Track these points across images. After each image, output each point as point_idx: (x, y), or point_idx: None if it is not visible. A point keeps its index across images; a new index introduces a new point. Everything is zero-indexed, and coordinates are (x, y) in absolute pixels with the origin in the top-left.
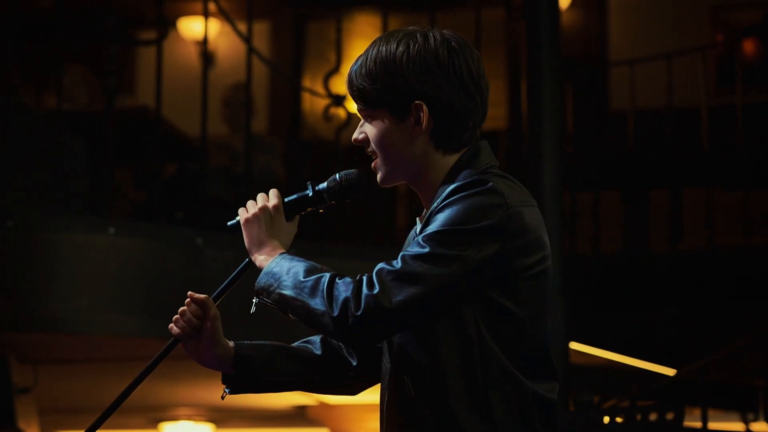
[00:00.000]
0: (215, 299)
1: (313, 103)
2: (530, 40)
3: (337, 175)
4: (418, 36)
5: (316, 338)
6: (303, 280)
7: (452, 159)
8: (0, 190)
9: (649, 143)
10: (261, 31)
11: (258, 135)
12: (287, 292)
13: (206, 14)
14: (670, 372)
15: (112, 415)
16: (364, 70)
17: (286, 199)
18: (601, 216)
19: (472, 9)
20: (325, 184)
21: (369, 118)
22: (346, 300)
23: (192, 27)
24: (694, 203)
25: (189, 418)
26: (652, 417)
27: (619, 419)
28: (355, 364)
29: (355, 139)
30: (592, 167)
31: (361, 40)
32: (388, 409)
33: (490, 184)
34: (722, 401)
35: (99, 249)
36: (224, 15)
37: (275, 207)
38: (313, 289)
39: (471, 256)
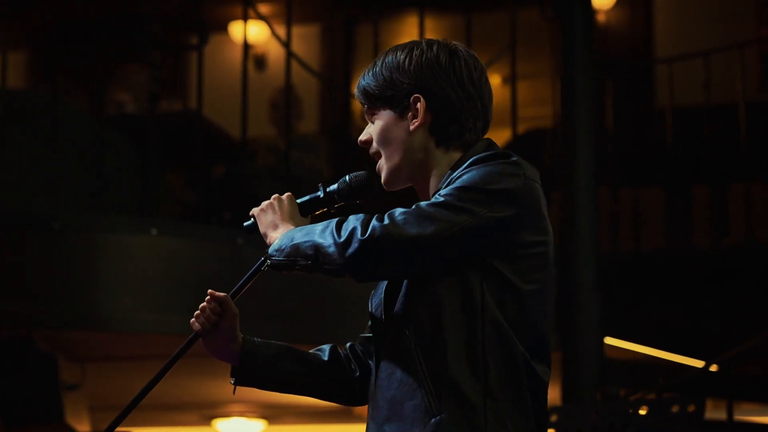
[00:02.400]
0: (233, 296)
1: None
2: (564, 39)
3: (347, 177)
4: (423, 44)
5: (326, 347)
6: (314, 226)
7: (456, 155)
8: (47, 193)
9: (692, 139)
10: (312, 33)
11: (304, 136)
12: (298, 240)
13: (245, 18)
14: (699, 364)
15: (166, 412)
16: (372, 75)
17: (298, 201)
18: (642, 212)
19: (508, 10)
20: (335, 186)
21: (373, 116)
22: (353, 228)
23: (242, 31)
24: (734, 198)
25: (241, 414)
26: (674, 409)
27: (642, 411)
28: (357, 375)
29: (361, 141)
30: (634, 163)
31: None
32: (382, 370)
33: (514, 157)
34: (753, 394)
35: (142, 249)
36: (263, 20)
37: (288, 196)
38: (324, 228)
39: (483, 213)
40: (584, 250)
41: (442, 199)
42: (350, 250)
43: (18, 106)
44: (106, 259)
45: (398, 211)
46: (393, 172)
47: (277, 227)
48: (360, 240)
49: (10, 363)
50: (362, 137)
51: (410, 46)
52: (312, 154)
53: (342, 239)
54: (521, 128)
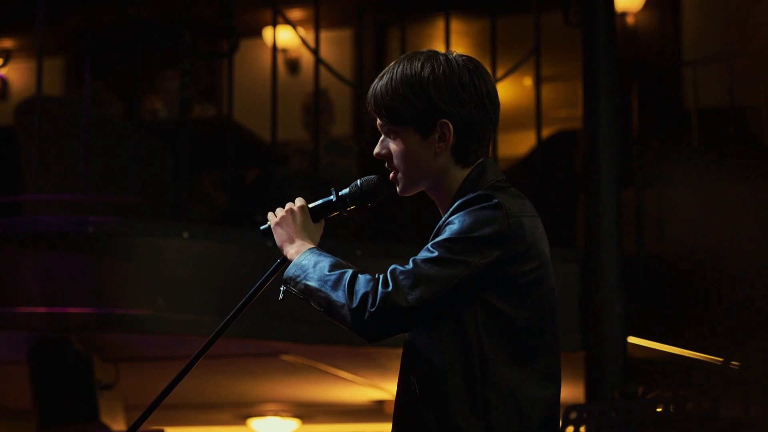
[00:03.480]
0: (251, 297)
1: None
2: (587, 43)
3: (359, 181)
4: (441, 58)
5: None
6: (327, 273)
7: (465, 173)
8: (82, 201)
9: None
10: (344, 38)
11: (337, 139)
12: (312, 283)
13: (274, 23)
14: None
15: (202, 411)
16: (390, 89)
17: (311, 205)
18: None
19: (533, 13)
20: (347, 190)
21: (393, 134)
22: (365, 294)
23: (277, 35)
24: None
25: (276, 413)
26: (689, 407)
27: (658, 409)
28: None
29: (377, 154)
30: (659, 165)
31: (438, 44)
32: (396, 407)
33: (495, 200)
34: None
35: (174, 252)
36: (290, 24)
37: (300, 207)
38: (336, 283)
39: (476, 261)
40: (608, 251)
41: (435, 253)
42: (362, 319)
43: (54, 113)
44: (139, 262)
45: (398, 271)
46: (411, 186)
47: (293, 242)
48: (370, 312)
49: (46, 363)
50: (380, 151)
51: (429, 63)
52: (344, 157)
53: (354, 305)
54: (553, 129)
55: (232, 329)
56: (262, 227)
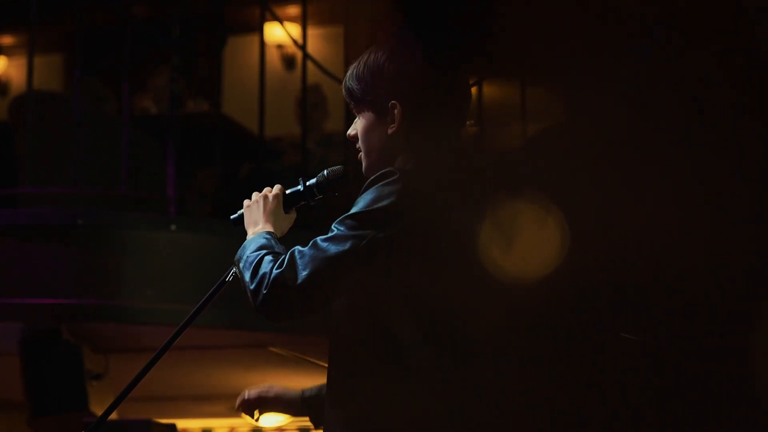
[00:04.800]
0: (207, 301)
1: None
2: None
3: (325, 171)
4: (402, 47)
5: None
6: (249, 254)
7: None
8: (72, 194)
9: None
10: (339, 34)
11: (330, 134)
12: (240, 264)
13: (262, 18)
14: None
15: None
16: (355, 73)
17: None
18: None
19: None
20: (314, 180)
21: (358, 114)
22: (263, 276)
23: (274, 31)
24: None
25: None
26: None
27: None
28: None
29: (349, 135)
30: None
31: None
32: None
33: (395, 175)
34: None
35: (163, 244)
36: (278, 21)
37: (275, 195)
38: (249, 264)
39: (371, 235)
40: None
41: (333, 231)
42: (258, 300)
43: (49, 108)
44: (128, 254)
45: (296, 251)
46: (369, 167)
47: (256, 225)
48: (263, 294)
49: (37, 354)
50: (350, 132)
51: (391, 50)
52: (337, 152)
53: (253, 287)
54: None
55: (220, 321)
56: (232, 216)
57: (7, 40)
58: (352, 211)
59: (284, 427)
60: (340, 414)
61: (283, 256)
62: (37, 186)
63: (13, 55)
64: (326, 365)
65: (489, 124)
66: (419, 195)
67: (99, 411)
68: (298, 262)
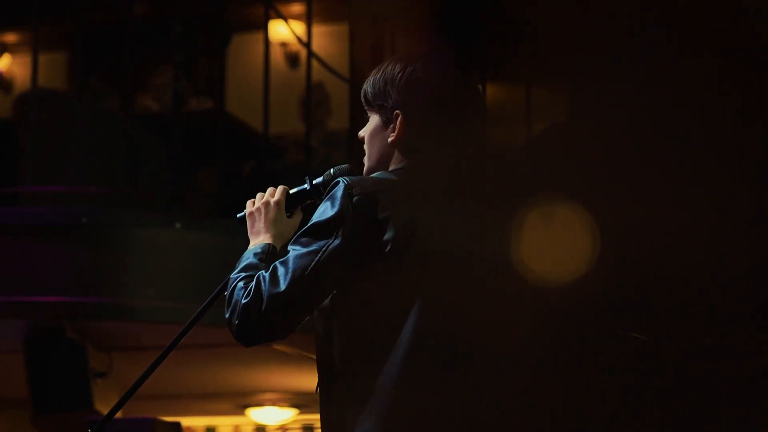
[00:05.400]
0: (210, 303)
1: None
2: None
3: (332, 170)
4: (420, 59)
5: None
6: (233, 276)
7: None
8: (75, 192)
9: None
10: (343, 32)
11: (334, 132)
12: (231, 282)
13: (266, 16)
14: None
15: (200, 401)
16: (372, 79)
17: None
18: None
19: None
20: (321, 179)
21: (370, 117)
22: (234, 304)
23: (278, 29)
24: None
25: (274, 403)
26: None
27: None
28: None
29: (359, 135)
30: None
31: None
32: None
33: (339, 183)
34: None
35: (167, 242)
36: (282, 18)
37: (276, 202)
38: (229, 287)
39: (324, 247)
40: None
41: (289, 251)
42: (233, 329)
43: (52, 106)
44: (132, 253)
45: (261, 277)
46: (367, 170)
47: (258, 235)
48: (235, 325)
49: (40, 352)
50: (361, 133)
51: (407, 60)
52: (340, 150)
53: (227, 315)
54: None
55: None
56: (238, 215)
57: (11, 37)
58: (308, 224)
59: (288, 425)
60: (336, 415)
61: (251, 283)
62: (40, 184)
63: (16, 53)
64: None
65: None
66: (362, 196)
67: (103, 409)
68: (263, 288)
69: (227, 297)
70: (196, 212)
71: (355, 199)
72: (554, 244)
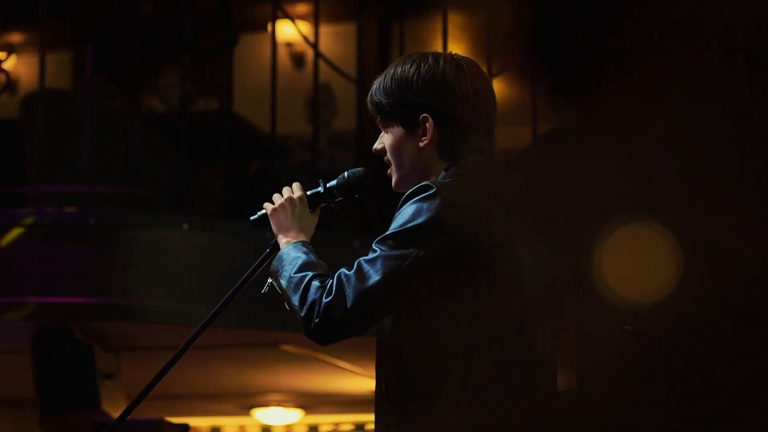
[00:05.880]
0: (241, 285)
1: None
2: None
3: (346, 173)
4: (430, 57)
5: None
6: (293, 274)
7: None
8: (82, 192)
9: None
10: (349, 32)
11: (339, 132)
12: (283, 282)
13: (274, 17)
14: None
15: (206, 402)
16: (381, 87)
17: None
18: None
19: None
20: (335, 182)
21: (385, 129)
22: (312, 303)
23: (283, 29)
24: None
25: (279, 404)
26: None
27: None
28: None
29: (375, 149)
30: None
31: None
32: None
33: (432, 189)
34: None
35: (175, 243)
36: (290, 19)
37: (300, 198)
38: (297, 286)
39: (414, 253)
40: None
41: (377, 252)
42: (310, 329)
43: (58, 106)
44: (140, 253)
45: (342, 275)
46: (401, 180)
47: (287, 232)
48: (315, 323)
49: (48, 352)
50: (376, 146)
51: (417, 61)
52: (346, 150)
53: (303, 314)
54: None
55: (231, 319)
56: (252, 217)
57: (15, 37)
58: (392, 229)
59: (293, 427)
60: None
61: (329, 281)
62: (47, 184)
63: (21, 53)
64: (337, 363)
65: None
66: (460, 207)
67: (110, 410)
68: (346, 289)
69: (298, 295)
70: (202, 212)
71: (448, 208)
72: (637, 265)
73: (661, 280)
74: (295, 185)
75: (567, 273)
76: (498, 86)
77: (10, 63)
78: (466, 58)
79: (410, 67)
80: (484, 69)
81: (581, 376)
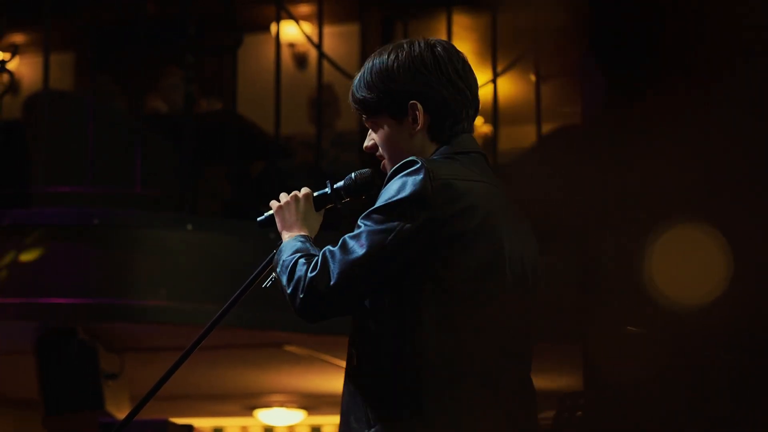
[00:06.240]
0: (246, 288)
1: None
2: None
3: (353, 174)
4: (405, 45)
5: None
6: (286, 258)
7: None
8: (86, 193)
9: None
10: (353, 32)
11: (343, 133)
12: (277, 268)
13: (278, 17)
14: None
15: (208, 402)
16: (363, 83)
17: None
18: None
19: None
20: (342, 183)
21: (373, 125)
22: (298, 280)
23: (286, 30)
24: None
25: (282, 405)
26: None
27: None
28: None
29: (366, 147)
30: None
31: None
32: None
33: (418, 164)
34: None
35: (178, 243)
36: (293, 19)
37: (305, 195)
38: (286, 268)
39: (398, 227)
40: None
41: (361, 227)
42: (296, 305)
43: (61, 107)
44: (143, 254)
45: (327, 252)
46: None
47: (291, 228)
48: (300, 299)
49: (52, 353)
50: (367, 144)
51: (394, 51)
52: (349, 151)
53: (290, 291)
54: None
55: (234, 320)
56: (259, 218)
57: (18, 38)
58: (377, 204)
59: (296, 428)
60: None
61: (316, 258)
62: (50, 185)
63: (24, 54)
64: (341, 365)
65: (502, 122)
66: (445, 181)
67: (114, 410)
68: (330, 264)
69: (286, 274)
70: (206, 213)
71: (434, 183)
72: (687, 266)
73: (710, 283)
74: (303, 189)
75: (614, 273)
76: (509, 85)
77: (14, 64)
78: (440, 40)
79: (388, 57)
80: (489, 68)
81: (620, 377)
